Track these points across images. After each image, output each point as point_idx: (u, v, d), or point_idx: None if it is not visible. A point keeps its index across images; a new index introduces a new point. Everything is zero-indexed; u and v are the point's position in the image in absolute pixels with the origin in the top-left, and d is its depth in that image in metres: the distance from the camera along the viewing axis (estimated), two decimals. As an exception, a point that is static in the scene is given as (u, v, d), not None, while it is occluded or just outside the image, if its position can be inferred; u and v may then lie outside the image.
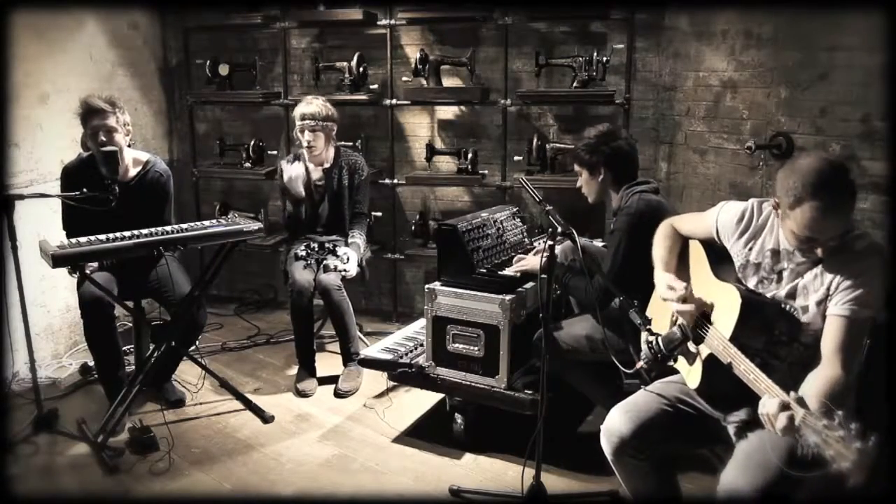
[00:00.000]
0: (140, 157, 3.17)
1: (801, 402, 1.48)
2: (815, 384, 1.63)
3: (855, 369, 1.73)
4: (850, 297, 1.71)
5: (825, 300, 1.75)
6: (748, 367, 1.67)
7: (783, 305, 1.83)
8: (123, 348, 3.22)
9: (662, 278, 2.04)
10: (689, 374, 1.93)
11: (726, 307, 1.81)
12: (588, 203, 2.77)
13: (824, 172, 1.66)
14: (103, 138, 2.93)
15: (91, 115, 2.93)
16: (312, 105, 3.49)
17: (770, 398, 1.54)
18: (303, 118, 3.48)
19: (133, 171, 3.12)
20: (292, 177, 3.49)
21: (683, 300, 1.92)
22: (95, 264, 3.00)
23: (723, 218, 2.00)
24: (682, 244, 2.15)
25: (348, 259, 3.37)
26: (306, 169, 3.56)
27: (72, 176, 3.03)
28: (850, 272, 1.72)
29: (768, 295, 1.87)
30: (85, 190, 2.83)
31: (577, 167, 2.70)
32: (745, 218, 1.94)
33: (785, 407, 1.48)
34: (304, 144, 3.51)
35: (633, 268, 2.31)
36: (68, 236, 2.87)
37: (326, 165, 3.62)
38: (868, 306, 1.71)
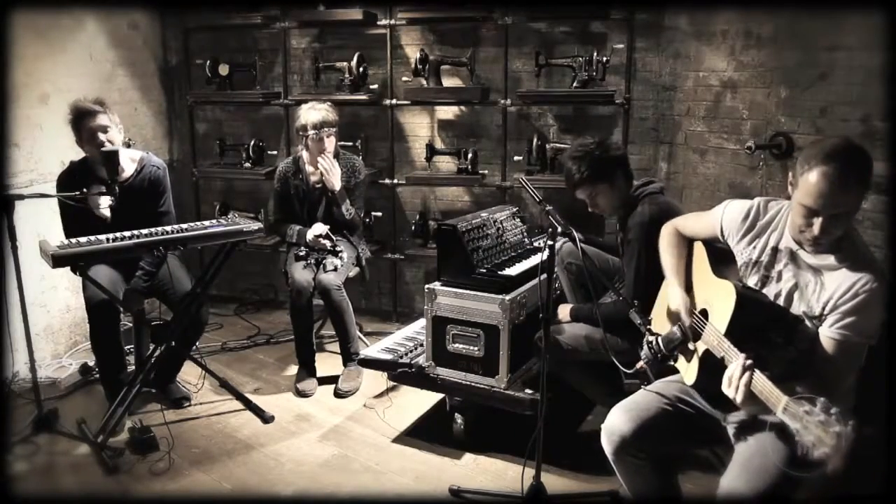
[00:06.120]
0: (133, 155, 3.17)
1: (787, 391, 1.48)
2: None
3: (842, 388, 1.74)
4: (845, 323, 1.70)
5: (820, 317, 1.75)
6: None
7: (780, 305, 1.83)
8: (124, 348, 3.22)
9: (679, 299, 2.01)
10: (687, 371, 1.94)
11: (723, 302, 1.81)
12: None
13: (839, 145, 1.69)
14: (102, 138, 2.93)
15: (84, 118, 2.93)
16: (322, 112, 3.46)
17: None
18: (317, 127, 3.44)
19: (129, 171, 3.11)
20: (318, 235, 3.43)
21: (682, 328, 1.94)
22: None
23: (728, 216, 1.98)
24: (688, 247, 2.15)
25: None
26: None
27: (67, 181, 2.99)
28: (848, 295, 1.69)
29: (768, 294, 1.86)
30: (85, 190, 2.83)
31: (590, 189, 2.57)
32: (751, 216, 1.93)
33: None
34: (322, 151, 3.48)
35: (652, 274, 2.30)
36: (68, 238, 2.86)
37: None
38: (861, 334, 1.70)
